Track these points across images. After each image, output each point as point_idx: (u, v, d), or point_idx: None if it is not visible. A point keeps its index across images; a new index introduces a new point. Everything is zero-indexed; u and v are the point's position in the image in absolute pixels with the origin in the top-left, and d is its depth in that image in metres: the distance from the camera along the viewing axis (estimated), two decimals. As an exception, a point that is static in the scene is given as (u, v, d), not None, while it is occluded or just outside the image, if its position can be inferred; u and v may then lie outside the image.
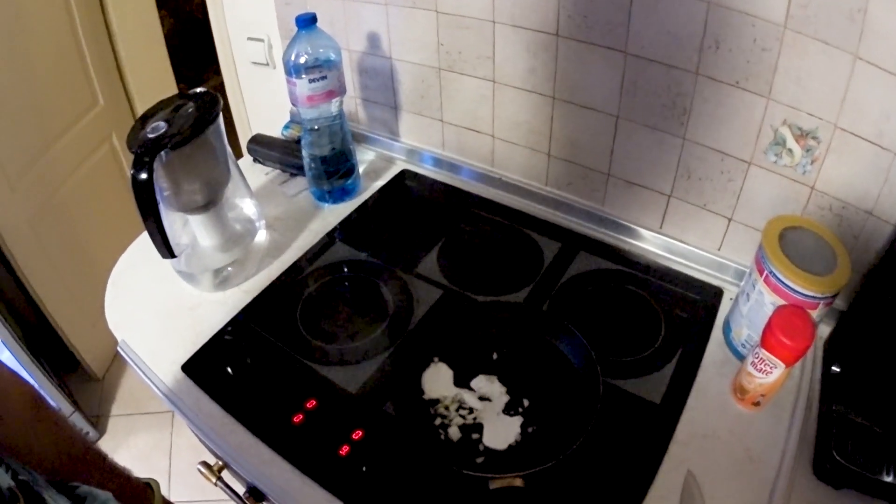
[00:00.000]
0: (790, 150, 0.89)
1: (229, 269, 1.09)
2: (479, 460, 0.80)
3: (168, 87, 2.45)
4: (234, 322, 1.03)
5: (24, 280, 1.90)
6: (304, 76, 1.10)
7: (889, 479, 0.73)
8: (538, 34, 1.05)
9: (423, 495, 0.78)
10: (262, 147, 1.39)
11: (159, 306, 1.08)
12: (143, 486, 0.84)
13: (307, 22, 1.09)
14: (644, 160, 1.07)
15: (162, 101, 1.01)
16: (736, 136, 0.93)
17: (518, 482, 0.75)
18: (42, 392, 0.79)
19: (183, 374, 0.95)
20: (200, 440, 1.09)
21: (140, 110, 2.26)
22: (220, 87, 1.52)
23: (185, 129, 0.93)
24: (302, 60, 1.10)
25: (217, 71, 1.73)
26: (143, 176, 0.88)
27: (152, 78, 2.37)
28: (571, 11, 0.98)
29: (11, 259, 1.83)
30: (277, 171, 1.40)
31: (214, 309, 1.06)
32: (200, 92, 1.02)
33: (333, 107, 1.17)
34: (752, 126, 0.91)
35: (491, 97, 1.20)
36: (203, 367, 0.96)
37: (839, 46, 0.77)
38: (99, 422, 2.22)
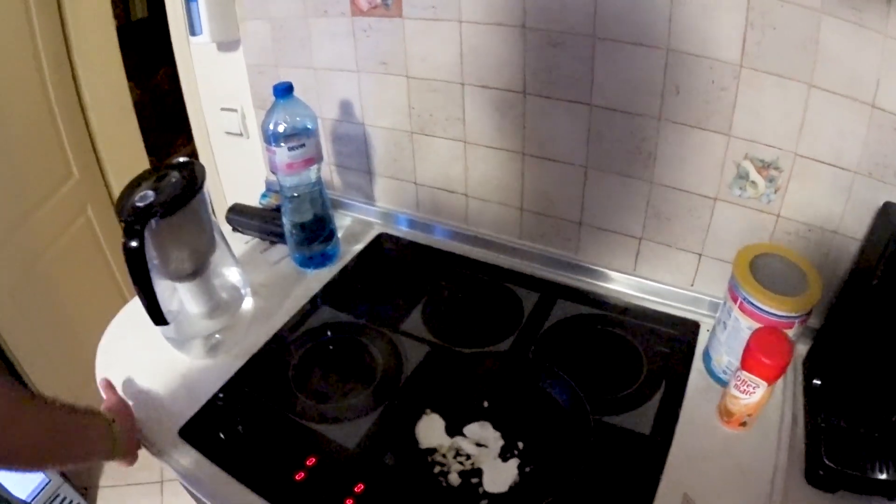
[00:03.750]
0: (753, 183, 0.94)
1: (217, 335, 1.10)
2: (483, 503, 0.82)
3: (139, 158, 2.45)
4: (227, 386, 1.03)
5: (7, 351, 1.85)
6: (283, 144, 1.13)
7: (882, 476, 0.76)
8: (506, 93, 1.10)
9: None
10: (242, 216, 1.41)
11: (151, 374, 1.07)
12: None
13: (285, 91, 1.12)
14: (614, 206, 1.11)
15: (145, 171, 1.03)
16: (701, 175, 0.98)
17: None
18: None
19: (181, 440, 0.94)
20: (198, 507, 1.08)
21: (113, 182, 2.27)
22: (193, 157, 1.55)
23: (173, 198, 0.95)
24: (280, 129, 1.13)
25: (186, 141, 1.73)
26: (135, 244, 0.89)
27: (124, 150, 2.37)
28: (536, 68, 1.04)
29: (-7, 330, 1.79)
30: (257, 240, 1.41)
31: (206, 375, 1.06)
32: (183, 162, 1.04)
33: (312, 174, 1.20)
34: (716, 163, 0.96)
35: (463, 157, 1.24)
36: (200, 432, 0.96)
37: (794, 77, 0.83)
38: (88, 494, 2.15)
